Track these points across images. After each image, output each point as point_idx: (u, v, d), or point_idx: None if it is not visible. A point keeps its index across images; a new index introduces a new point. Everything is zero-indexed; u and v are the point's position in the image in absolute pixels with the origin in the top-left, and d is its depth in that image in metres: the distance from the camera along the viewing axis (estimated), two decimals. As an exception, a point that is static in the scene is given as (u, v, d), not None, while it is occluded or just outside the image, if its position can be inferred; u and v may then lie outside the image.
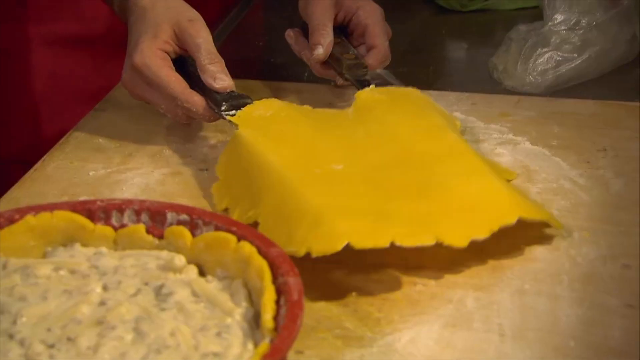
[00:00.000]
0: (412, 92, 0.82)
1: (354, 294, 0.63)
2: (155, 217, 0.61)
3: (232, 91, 0.78)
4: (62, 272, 0.58)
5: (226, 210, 0.72)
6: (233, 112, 0.76)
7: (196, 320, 0.54)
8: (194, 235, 0.60)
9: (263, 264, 0.56)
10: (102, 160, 0.83)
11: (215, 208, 0.73)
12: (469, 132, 0.84)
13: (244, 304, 0.56)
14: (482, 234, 0.63)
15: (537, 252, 0.67)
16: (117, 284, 0.57)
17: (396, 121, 0.76)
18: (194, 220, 0.60)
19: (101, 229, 0.61)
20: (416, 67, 1.04)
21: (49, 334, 0.52)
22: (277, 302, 0.54)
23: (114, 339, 0.52)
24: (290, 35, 0.91)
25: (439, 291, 0.64)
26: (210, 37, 0.80)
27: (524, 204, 0.67)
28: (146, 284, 0.57)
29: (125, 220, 0.61)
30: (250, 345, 0.53)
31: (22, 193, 0.78)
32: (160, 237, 0.61)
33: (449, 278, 0.65)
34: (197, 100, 0.78)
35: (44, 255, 0.60)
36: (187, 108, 0.78)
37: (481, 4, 1.20)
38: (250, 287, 0.56)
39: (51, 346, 0.52)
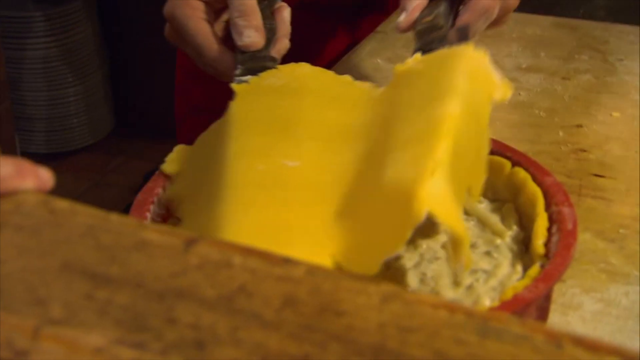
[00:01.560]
0: (460, 54, 0.57)
1: (621, 231, 0.63)
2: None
3: (259, 51, 0.63)
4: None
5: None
6: (247, 77, 0.62)
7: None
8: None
9: (537, 191, 0.57)
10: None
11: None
12: None
13: (514, 227, 0.57)
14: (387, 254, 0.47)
15: None
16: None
17: (400, 104, 0.56)
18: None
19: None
20: None
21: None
22: (549, 230, 0.55)
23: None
24: None
25: None
26: None
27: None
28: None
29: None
30: (519, 268, 0.54)
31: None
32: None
33: None
34: (224, 60, 0.64)
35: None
36: (214, 67, 0.65)
37: None
38: (521, 213, 0.58)
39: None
